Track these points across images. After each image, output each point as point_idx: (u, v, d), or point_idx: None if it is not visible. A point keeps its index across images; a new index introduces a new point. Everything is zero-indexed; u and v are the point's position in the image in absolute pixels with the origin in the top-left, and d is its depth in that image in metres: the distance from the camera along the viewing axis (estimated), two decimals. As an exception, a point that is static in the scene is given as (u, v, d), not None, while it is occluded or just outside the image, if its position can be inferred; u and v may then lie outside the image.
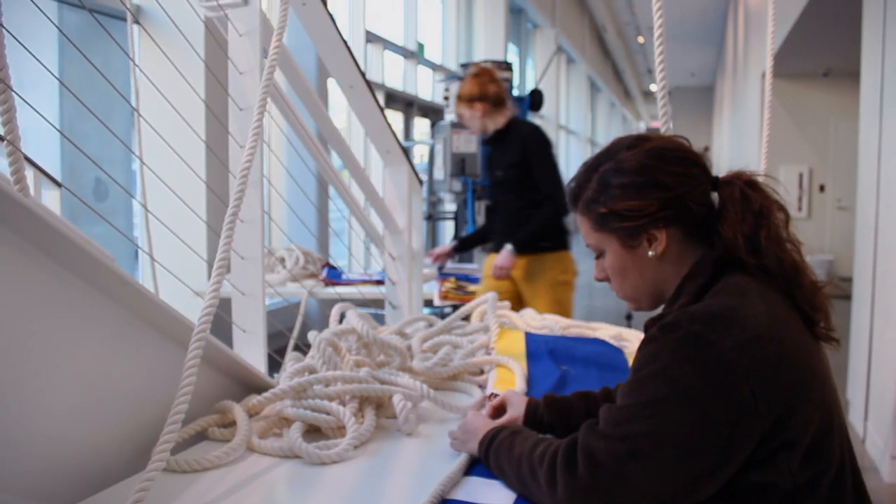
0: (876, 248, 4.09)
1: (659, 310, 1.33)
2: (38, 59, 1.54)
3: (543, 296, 3.84)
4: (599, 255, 1.37)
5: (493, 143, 3.98)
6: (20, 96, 1.39)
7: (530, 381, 1.89)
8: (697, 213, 1.27)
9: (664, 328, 1.16)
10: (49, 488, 1.21)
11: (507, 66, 8.22)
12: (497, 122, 3.87)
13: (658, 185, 1.26)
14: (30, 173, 2.08)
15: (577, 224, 1.38)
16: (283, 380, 1.69)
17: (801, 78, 9.83)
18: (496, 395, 1.66)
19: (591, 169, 1.34)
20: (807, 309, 1.24)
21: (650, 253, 1.29)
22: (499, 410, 1.58)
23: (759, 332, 1.12)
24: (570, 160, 18.55)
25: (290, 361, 1.89)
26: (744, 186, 1.27)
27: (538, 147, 3.85)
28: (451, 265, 5.85)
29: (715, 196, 1.30)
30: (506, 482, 1.30)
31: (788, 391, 1.11)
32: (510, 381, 1.87)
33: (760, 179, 1.31)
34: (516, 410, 1.54)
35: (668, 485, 1.10)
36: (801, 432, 1.12)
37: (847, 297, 4.87)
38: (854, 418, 4.34)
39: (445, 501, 1.24)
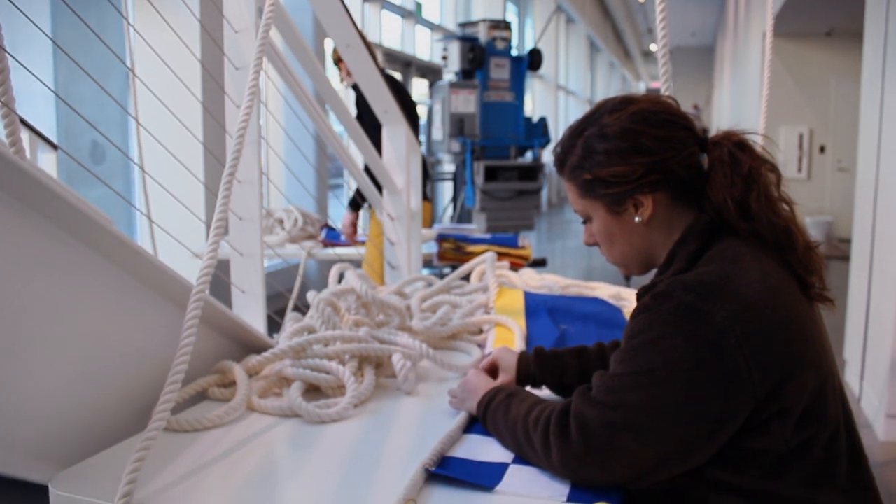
0: (875, 209, 4.08)
1: (650, 276, 1.32)
2: (31, 20, 1.52)
3: (366, 256, 3.83)
4: (587, 220, 1.36)
5: (358, 92, 4.06)
6: (14, 58, 1.37)
7: (529, 339, 1.90)
8: (685, 177, 1.25)
9: (656, 297, 1.15)
10: (52, 448, 1.22)
11: (506, 26, 8.14)
12: None
13: (642, 150, 1.23)
14: (25, 136, 2.07)
15: (566, 188, 1.36)
16: (283, 340, 1.70)
17: (803, 37, 9.74)
18: None
19: (575, 133, 1.31)
20: (801, 272, 1.22)
21: (636, 219, 1.27)
22: (491, 371, 1.58)
23: (754, 301, 1.11)
24: (569, 121, 18.43)
25: (290, 322, 1.89)
26: (732, 148, 1.24)
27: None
28: (449, 225, 5.85)
29: (704, 158, 1.27)
30: (502, 443, 1.31)
31: (783, 360, 1.11)
32: (509, 340, 1.88)
33: (752, 139, 1.28)
34: (508, 373, 1.54)
35: (660, 453, 1.10)
36: (795, 399, 1.11)
37: (846, 258, 4.88)
38: (850, 377, 4.37)
39: (445, 459, 1.25)
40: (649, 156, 1.23)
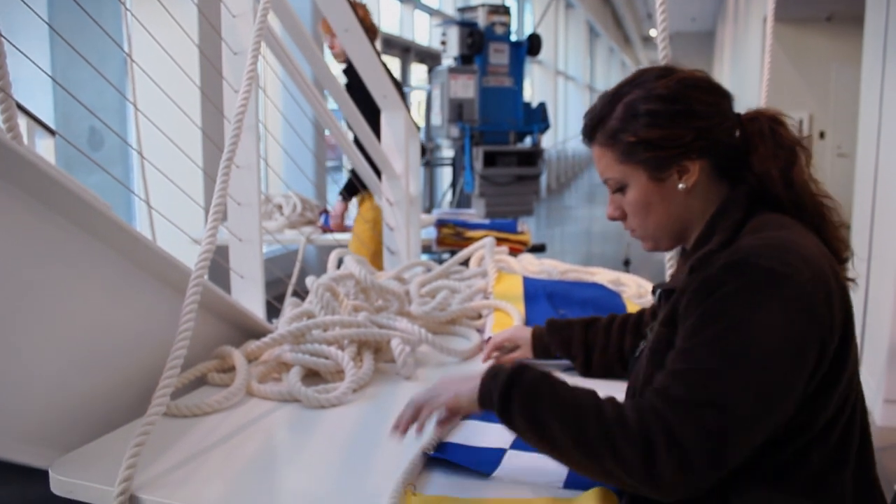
0: (875, 195, 4.08)
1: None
2: (27, 5, 1.51)
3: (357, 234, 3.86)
4: (618, 189, 1.28)
5: (350, 74, 3.90)
6: (11, 43, 1.37)
7: (528, 324, 1.90)
8: (727, 147, 1.23)
9: (730, 269, 1.09)
10: (51, 433, 1.22)
11: (505, 10, 8.11)
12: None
13: (694, 114, 1.20)
14: (23, 122, 2.06)
15: (595, 157, 1.29)
16: (282, 325, 1.70)
17: (804, 22, 9.69)
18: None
19: (614, 99, 1.26)
20: (837, 245, 1.21)
21: (680, 185, 1.22)
22: (499, 350, 1.61)
23: (822, 265, 1.10)
24: (568, 106, 18.39)
25: (289, 307, 1.90)
26: (771, 122, 1.24)
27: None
28: (448, 211, 5.85)
29: (737, 133, 1.25)
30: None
31: (846, 325, 1.10)
32: (508, 324, 1.88)
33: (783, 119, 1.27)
34: (525, 348, 1.60)
35: (757, 438, 1.04)
36: (842, 369, 1.10)
37: (844, 243, 4.88)
38: (848, 363, 4.39)
39: (443, 444, 1.26)
40: (700, 120, 1.20)
